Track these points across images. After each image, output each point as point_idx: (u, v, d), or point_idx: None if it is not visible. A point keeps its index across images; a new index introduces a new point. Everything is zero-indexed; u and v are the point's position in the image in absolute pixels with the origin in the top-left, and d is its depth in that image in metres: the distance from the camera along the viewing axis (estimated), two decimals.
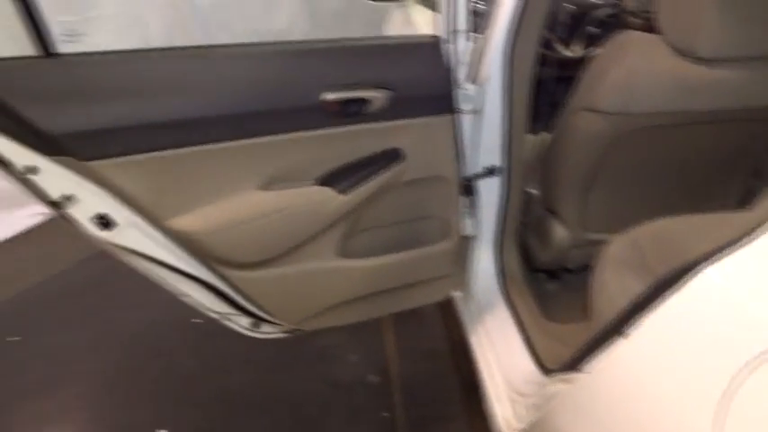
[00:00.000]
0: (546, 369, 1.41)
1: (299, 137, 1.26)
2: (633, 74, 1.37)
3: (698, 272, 0.75)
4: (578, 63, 2.40)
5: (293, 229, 1.31)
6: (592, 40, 2.39)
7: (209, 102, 1.17)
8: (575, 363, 1.09)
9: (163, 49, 1.21)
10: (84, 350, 2.28)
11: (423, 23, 2.45)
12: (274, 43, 1.27)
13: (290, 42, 1.28)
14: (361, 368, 2.10)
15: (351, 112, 1.30)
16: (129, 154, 1.13)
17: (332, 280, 1.46)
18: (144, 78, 1.14)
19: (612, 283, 1.25)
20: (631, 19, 2.41)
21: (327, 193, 1.31)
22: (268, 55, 1.25)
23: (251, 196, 1.27)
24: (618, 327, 0.91)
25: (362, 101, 1.28)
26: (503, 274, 1.76)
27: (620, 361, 0.92)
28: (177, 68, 1.17)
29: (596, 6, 2.34)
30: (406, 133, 1.36)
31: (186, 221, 1.22)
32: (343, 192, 1.32)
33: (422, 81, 1.33)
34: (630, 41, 1.42)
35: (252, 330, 1.60)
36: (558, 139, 1.68)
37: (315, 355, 2.15)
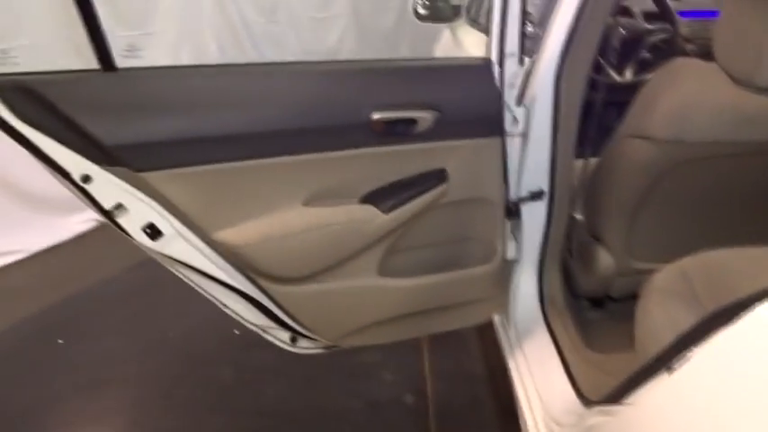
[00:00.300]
0: (586, 399, 1.37)
1: (345, 155, 1.28)
2: (688, 102, 1.34)
3: (752, 309, 0.73)
4: (628, 89, 2.38)
5: (335, 246, 1.32)
6: (644, 66, 2.36)
7: (259, 117, 1.20)
8: (617, 395, 1.06)
9: (217, 66, 1.25)
10: (128, 356, 2.33)
11: (472, 44, 2.46)
12: (325, 62, 1.30)
13: (340, 62, 1.31)
14: (397, 387, 2.09)
15: (398, 131, 1.31)
16: (181, 166, 1.16)
17: (372, 298, 1.46)
18: (197, 93, 1.18)
19: (658, 314, 1.21)
20: (685, 45, 2.37)
21: (371, 211, 1.32)
22: (319, 73, 1.28)
23: (296, 212, 1.28)
24: (664, 360, 0.89)
25: (410, 121, 1.29)
26: (544, 299, 1.73)
27: (665, 395, 0.89)
28: (230, 84, 1.21)
29: (650, 32, 2.31)
30: (453, 154, 1.36)
31: (231, 234, 1.24)
32: (386, 211, 1.33)
33: (471, 103, 1.33)
34: (685, 68, 1.40)
35: (290, 345, 1.61)
36: (605, 165, 1.65)
37: (350, 372, 2.15)
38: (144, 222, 1.21)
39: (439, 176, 1.37)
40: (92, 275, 2.93)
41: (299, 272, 1.34)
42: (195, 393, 2.12)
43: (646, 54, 2.37)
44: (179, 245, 1.26)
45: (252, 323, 1.52)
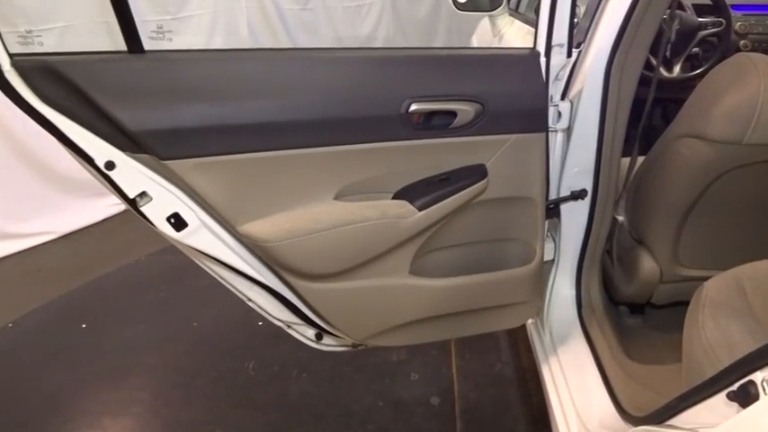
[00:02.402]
0: (627, 414, 1.30)
1: (380, 147, 1.21)
2: (752, 101, 1.24)
3: None
4: (677, 84, 2.27)
5: (367, 242, 1.26)
6: (694, 62, 2.25)
7: (291, 106, 1.14)
8: (663, 415, 0.99)
9: (248, 50, 1.19)
10: (152, 344, 2.31)
11: (512, 35, 2.38)
12: (362, 49, 1.23)
13: (378, 49, 1.24)
14: (423, 388, 2.03)
15: (437, 124, 1.24)
16: (208, 155, 1.11)
17: (403, 298, 1.39)
18: (228, 79, 1.12)
19: (710, 328, 1.13)
20: (738, 41, 2.25)
21: (405, 207, 1.25)
22: (355, 61, 1.21)
23: (327, 206, 1.22)
24: (721, 382, 0.81)
25: (450, 113, 1.22)
26: (581, 304, 1.65)
27: (723, 421, 0.81)
28: (262, 70, 1.15)
29: (701, 26, 2.19)
30: (493, 150, 1.29)
31: (259, 227, 1.18)
32: (421, 207, 1.25)
33: (515, 96, 1.26)
34: (749, 64, 1.29)
35: (315, 342, 1.55)
36: (655, 164, 1.56)
37: (376, 371, 2.09)
38: (169, 212, 1.16)
39: (478, 172, 1.29)
40: (119, 259, 2.93)
41: (328, 269, 1.28)
42: (217, 386, 2.08)
43: (695, 49, 2.26)
44: (204, 236, 1.21)
45: (276, 318, 1.47)
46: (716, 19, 2.18)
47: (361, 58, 1.23)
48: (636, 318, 1.84)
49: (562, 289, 1.65)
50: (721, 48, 2.18)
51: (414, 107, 1.19)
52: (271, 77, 1.15)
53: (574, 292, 1.65)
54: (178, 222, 1.17)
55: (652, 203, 1.59)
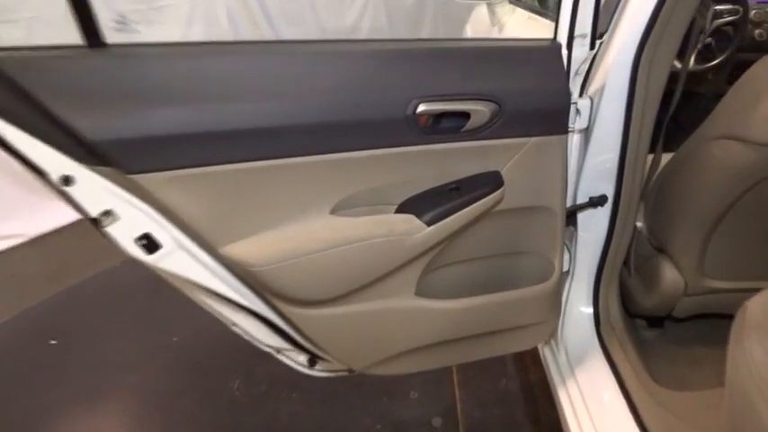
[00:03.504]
0: None
1: (383, 154, 1.05)
2: None
3: None
4: (689, 77, 2.12)
5: (369, 263, 1.10)
6: (707, 53, 2.10)
7: (280, 108, 0.97)
8: None
9: (229, 44, 1.02)
10: (129, 361, 2.13)
11: (514, 24, 2.22)
12: (361, 41, 1.07)
13: (379, 41, 1.07)
14: (424, 408, 1.88)
15: (446, 127, 1.08)
16: (184, 167, 0.94)
17: (408, 322, 1.24)
18: (206, 78, 0.95)
19: (758, 354, 0.98)
20: (755, 30, 2.12)
21: (411, 222, 1.09)
22: (353, 56, 1.04)
23: (322, 222, 1.06)
24: None
25: (461, 115, 1.07)
26: (600, 320, 1.51)
27: None
28: (245, 67, 0.98)
29: (717, 14, 2.04)
30: (510, 154, 1.14)
31: (244, 249, 1.02)
32: (430, 222, 1.10)
33: (535, 94, 1.10)
34: None
35: (308, 368, 1.40)
36: (682, 167, 1.42)
37: (372, 389, 1.94)
38: (138, 233, 1.00)
39: (493, 181, 1.14)
40: (93, 266, 2.72)
41: (324, 294, 1.12)
42: (201, 408, 1.92)
43: (708, 39, 2.11)
44: (180, 259, 1.05)
45: (265, 344, 1.31)
46: (732, 6, 2.04)
47: (361, 51, 1.06)
48: (654, 331, 1.71)
49: (578, 304, 1.51)
50: (737, 37, 2.04)
51: (422, 108, 1.03)
52: (256, 75, 0.98)
53: (591, 308, 1.51)
54: (150, 244, 1.01)
55: (677, 208, 1.45)
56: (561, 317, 1.52)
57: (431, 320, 1.25)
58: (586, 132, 1.32)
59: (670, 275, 1.50)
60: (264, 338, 1.28)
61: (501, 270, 1.31)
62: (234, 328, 1.28)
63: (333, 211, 1.08)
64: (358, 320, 1.19)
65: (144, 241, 1.00)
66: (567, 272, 1.52)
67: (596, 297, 1.50)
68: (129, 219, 0.98)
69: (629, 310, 1.65)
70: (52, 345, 2.21)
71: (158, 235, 1.01)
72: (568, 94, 1.14)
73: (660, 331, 1.70)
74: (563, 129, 1.16)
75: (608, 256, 1.44)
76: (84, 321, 2.36)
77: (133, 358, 2.14)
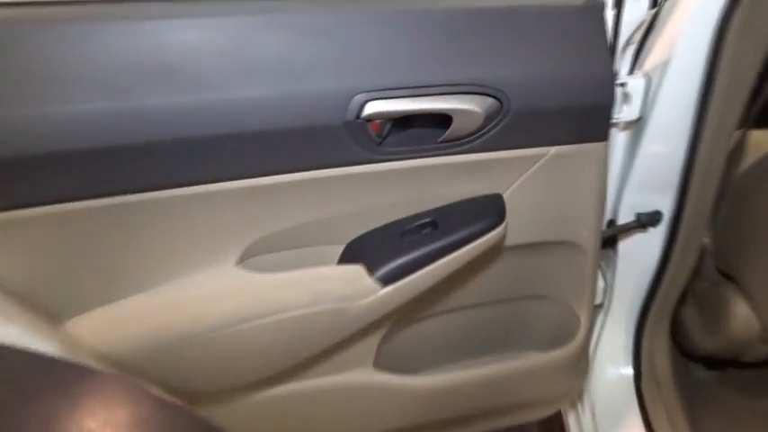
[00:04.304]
0: None
1: (313, 178, 0.67)
2: None
3: None
4: None
5: (290, 343, 0.73)
6: None
7: (153, 119, 0.59)
8: None
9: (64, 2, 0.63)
10: None
11: None
12: (271, 2, 0.67)
13: (302, 4, 0.66)
14: None
15: (415, 136, 0.70)
16: (7, 209, 0.58)
17: (366, 405, 0.88)
18: (23, 64, 0.57)
19: None
20: None
21: (358, 281, 0.71)
22: (260, 26, 0.63)
23: (221, 280, 0.69)
24: None
25: (440, 118, 0.67)
26: (640, 373, 1.12)
27: None
28: (71, 41, 0.58)
29: None
30: (516, 172, 0.75)
31: (96, 325, 0.66)
32: (386, 279, 0.72)
33: (559, 80, 0.70)
34: None
35: None
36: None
37: None
38: None
39: (490, 211, 0.75)
40: None
41: (238, 381, 0.76)
42: None
43: None
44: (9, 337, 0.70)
45: None
46: None
47: (273, 22, 0.65)
48: (712, 374, 1.32)
49: (613, 350, 1.13)
50: None
51: (371, 108, 0.64)
52: (96, 55, 0.59)
53: (630, 356, 1.13)
54: None
55: (759, 226, 1.04)
56: (590, 364, 1.14)
57: (399, 401, 0.88)
58: (637, 126, 0.92)
59: (742, 314, 1.11)
60: None
61: (503, 323, 0.93)
62: None
63: (241, 260, 0.71)
64: (286, 409, 0.83)
65: None
66: (600, 305, 1.13)
67: (638, 343, 1.11)
68: None
69: (683, 346, 1.26)
70: None
71: None
72: (611, 79, 0.73)
73: (720, 374, 1.31)
74: (602, 132, 0.76)
75: (658, 291, 1.05)
76: None
77: None
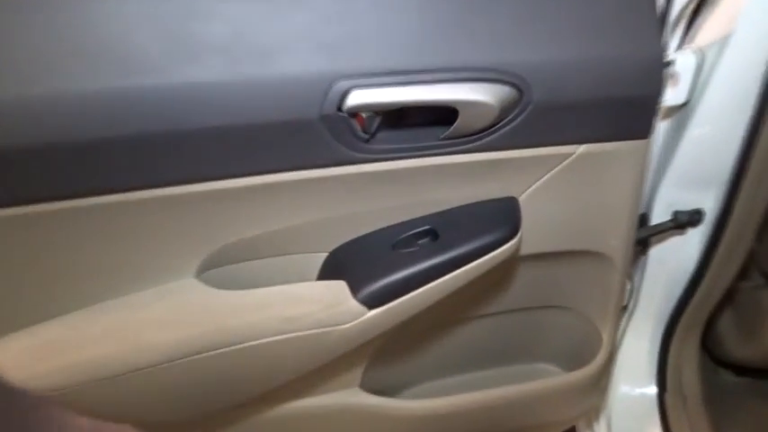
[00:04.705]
0: None
1: (283, 181, 0.55)
2: None
3: None
4: None
5: (266, 370, 0.62)
6: None
7: (76, 110, 0.46)
8: None
9: None
10: None
11: None
12: None
13: None
14: None
15: (411, 134, 0.57)
16: None
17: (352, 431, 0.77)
18: None
19: None
20: None
21: (340, 303, 0.59)
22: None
23: (179, 297, 0.58)
24: None
25: (443, 112, 0.54)
26: (665, 385, 1.01)
27: None
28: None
29: None
30: (535, 173, 0.62)
31: (16, 355, 0.55)
32: (371, 302, 0.59)
33: (590, 65, 0.55)
34: None
35: None
36: None
37: None
38: None
39: (502, 218, 0.62)
40: None
41: (194, 412, 0.65)
42: None
43: None
44: None
45: None
46: None
47: None
48: (741, 380, 1.20)
49: (635, 359, 1.01)
50: None
51: (355, 99, 0.50)
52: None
53: (654, 366, 1.01)
54: None
55: None
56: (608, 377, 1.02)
57: (390, 425, 0.78)
58: (682, 110, 0.78)
59: None
60: None
61: (511, 337, 0.81)
62: None
63: (200, 270, 0.59)
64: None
65: None
66: (624, 308, 1.01)
67: (664, 352, 0.99)
68: None
69: (714, 352, 1.14)
70: None
71: None
72: (662, 59, 0.58)
73: (751, 382, 1.19)
74: (643, 128, 0.62)
75: (692, 299, 0.92)
76: None
77: None
